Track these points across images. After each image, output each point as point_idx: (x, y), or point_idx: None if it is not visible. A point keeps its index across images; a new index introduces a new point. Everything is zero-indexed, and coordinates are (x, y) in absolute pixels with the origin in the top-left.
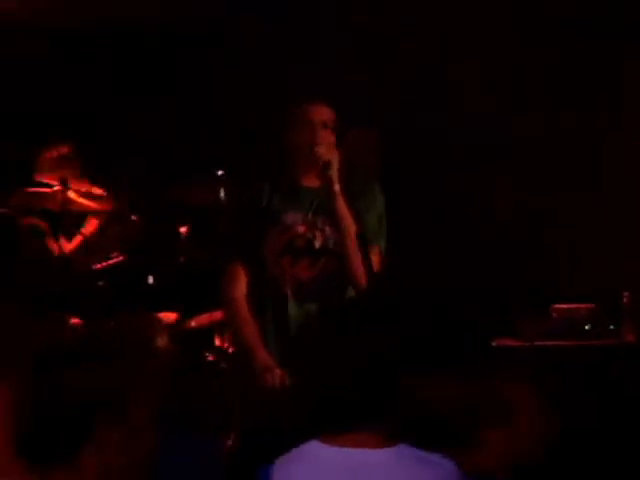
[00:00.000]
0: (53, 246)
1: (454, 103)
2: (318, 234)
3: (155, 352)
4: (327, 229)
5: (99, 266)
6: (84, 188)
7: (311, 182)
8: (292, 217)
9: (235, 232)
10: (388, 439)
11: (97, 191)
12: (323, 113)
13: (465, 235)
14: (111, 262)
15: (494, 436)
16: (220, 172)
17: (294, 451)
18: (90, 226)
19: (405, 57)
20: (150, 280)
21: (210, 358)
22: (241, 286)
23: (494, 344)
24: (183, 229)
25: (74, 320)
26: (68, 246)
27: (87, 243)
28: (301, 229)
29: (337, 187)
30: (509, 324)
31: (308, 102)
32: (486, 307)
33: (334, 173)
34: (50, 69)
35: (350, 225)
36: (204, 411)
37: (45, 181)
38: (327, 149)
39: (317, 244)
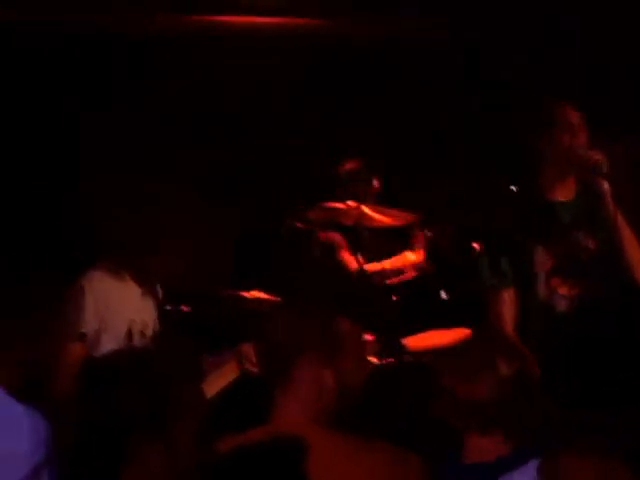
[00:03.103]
0: (349, 260)
1: None
2: (581, 250)
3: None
4: (589, 242)
5: (393, 281)
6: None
7: (564, 195)
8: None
9: (515, 252)
10: None
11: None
12: (577, 113)
13: None
14: (405, 277)
15: None
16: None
17: None
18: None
19: None
20: (443, 295)
21: None
22: (512, 310)
23: None
24: (476, 244)
25: (367, 336)
26: (363, 261)
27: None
28: (564, 248)
29: (607, 186)
30: None
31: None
32: None
33: (605, 172)
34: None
35: (624, 224)
36: None
37: (342, 197)
38: (592, 150)
39: (582, 261)
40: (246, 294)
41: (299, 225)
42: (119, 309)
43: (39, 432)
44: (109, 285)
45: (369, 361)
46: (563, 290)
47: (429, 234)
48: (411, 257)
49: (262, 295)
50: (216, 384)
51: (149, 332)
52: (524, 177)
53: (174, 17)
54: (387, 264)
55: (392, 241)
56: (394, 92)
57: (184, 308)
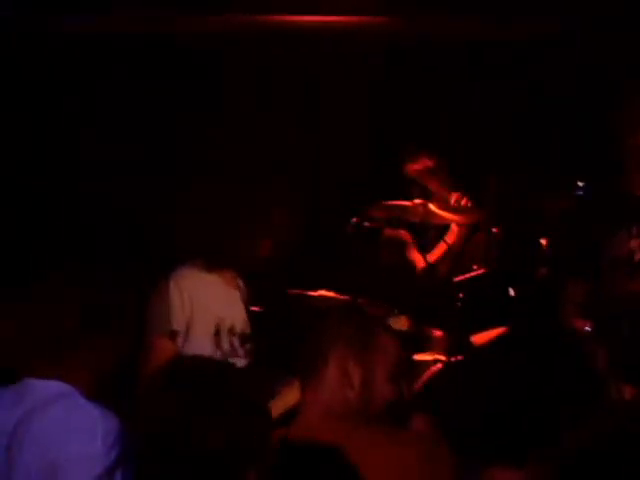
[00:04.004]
0: (416, 257)
1: None
2: None
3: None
4: None
5: (460, 278)
6: (451, 199)
7: None
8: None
9: (587, 244)
10: None
11: (461, 203)
12: None
13: None
14: (472, 274)
15: None
16: (580, 183)
17: None
18: (452, 235)
19: None
20: (511, 292)
21: None
22: (577, 300)
23: None
24: (543, 240)
25: (436, 332)
26: (431, 257)
27: (450, 253)
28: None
29: None
30: None
31: None
32: None
33: None
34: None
35: None
36: None
37: (410, 193)
38: None
39: None
40: (313, 293)
41: (365, 223)
42: (206, 306)
43: (112, 434)
44: (196, 282)
45: (403, 382)
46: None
47: (496, 231)
48: (478, 254)
49: (329, 294)
50: (282, 405)
51: (238, 330)
52: (613, 173)
53: (249, 18)
54: (453, 260)
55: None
56: (467, 90)
57: (254, 308)
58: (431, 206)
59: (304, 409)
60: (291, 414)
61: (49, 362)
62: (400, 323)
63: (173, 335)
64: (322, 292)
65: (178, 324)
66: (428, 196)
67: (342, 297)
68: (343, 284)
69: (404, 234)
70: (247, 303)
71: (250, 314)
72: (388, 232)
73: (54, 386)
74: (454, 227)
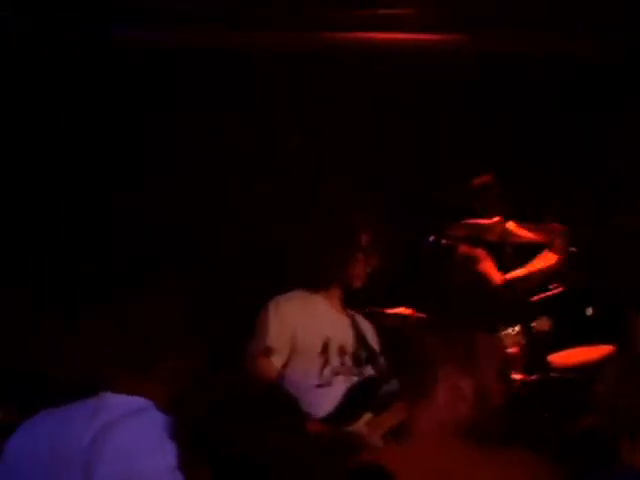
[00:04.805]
0: (495, 275)
1: None
2: None
3: None
4: None
5: (538, 297)
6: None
7: None
8: None
9: None
10: None
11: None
12: None
13: None
14: (550, 293)
15: None
16: None
17: None
18: (543, 258)
19: None
20: (589, 312)
21: None
22: None
23: None
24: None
25: (513, 350)
26: (510, 276)
27: (532, 275)
28: None
29: None
30: None
31: None
32: None
33: None
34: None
35: None
36: None
37: (480, 212)
38: None
39: None
40: (390, 311)
41: (442, 241)
42: (311, 327)
43: None
44: (297, 306)
45: (511, 376)
46: None
47: (573, 250)
48: (555, 273)
49: (406, 311)
50: (396, 416)
51: (349, 350)
52: None
53: (316, 35)
54: (532, 279)
55: (535, 256)
56: (532, 106)
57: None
58: (508, 224)
59: (415, 428)
60: (397, 431)
61: (129, 377)
62: (543, 324)
63: (268, 352)
64: (400, 310)
65: (273, 341)
66: (499, 213)
67: (420, 315)
68: (420, 302)
69: (481, 252)
70: (359, 326)
71: (364, 336)
72: (464, 250)
73: (133, 400)
74: (546, 252)
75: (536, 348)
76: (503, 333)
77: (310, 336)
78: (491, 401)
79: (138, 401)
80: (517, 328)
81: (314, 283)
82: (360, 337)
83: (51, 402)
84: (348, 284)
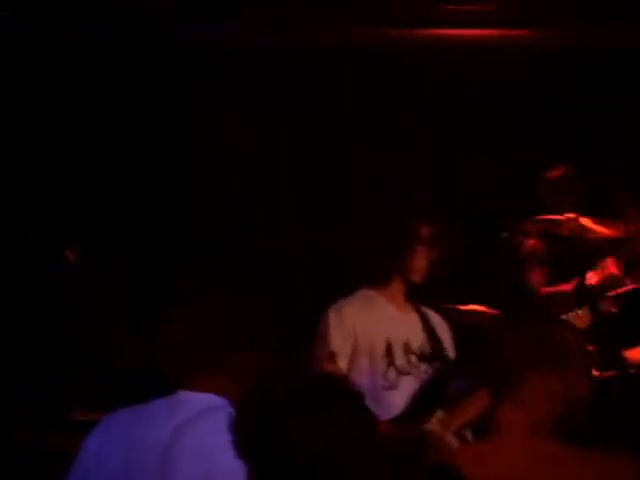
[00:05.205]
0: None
1: None
2: None
3: None
4: None
5: (613, 293)
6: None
7: None
8: None
9: None
10: None
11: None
12: None
13: None
14: (624, 289)
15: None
16: None
17: None
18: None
19: None
20: None
21: None
22: None
23: None
24: None
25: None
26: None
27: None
28: None
29: None
30: None
31: None
32: None
33: None
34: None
35: None
36: None
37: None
38: None
39: None
40: (464, 307)
41: (515, 237)
42: (372, 328)
43: None
44: (357, 309)
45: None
46: None
47: None
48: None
49: (480, 308)
50: (468, 412)
51: (415, 348)
52: None
53: (381, 31)
54: (606, 275)
55: (608, 252)
56: (612, 100)
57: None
58: (582, 220)
59: (504, 429)
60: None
61: (205, 375)
62: (582, 320)
63: (332, 357)
64: (473, 306)
65: (336, 346)
66: (571, 208)
67: (493, 311)
68: (494, 298)
69: (540, 247)
70: (429, 322)
71: (434, 332)
72: (536, 245)
73: (209, 398)
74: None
75: (604, 330)
76: (570, 314)
77: (371, 338)
78: (579, 399)
79: (214, 399)
80: (584, 309)
81: (375, 278)
82: (429, 333)
83: (128, 400)
84: (408, 278)
